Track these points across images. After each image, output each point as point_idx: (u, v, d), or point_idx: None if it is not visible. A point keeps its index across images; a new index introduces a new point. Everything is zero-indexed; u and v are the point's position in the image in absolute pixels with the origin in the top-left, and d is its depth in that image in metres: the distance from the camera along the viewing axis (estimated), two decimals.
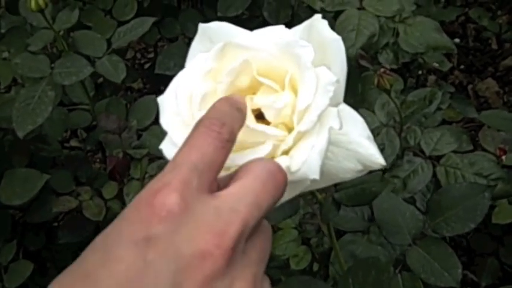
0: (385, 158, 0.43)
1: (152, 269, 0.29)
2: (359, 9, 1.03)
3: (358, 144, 0.42)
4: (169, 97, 0.42)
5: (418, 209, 0.84)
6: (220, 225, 0.31)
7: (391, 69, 1.04)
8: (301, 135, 0.39)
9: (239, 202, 0.33)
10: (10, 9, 1.20)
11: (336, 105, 0.39)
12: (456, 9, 1.79)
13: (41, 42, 1.07)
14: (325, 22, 0.41)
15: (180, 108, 0.41)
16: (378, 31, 1.02)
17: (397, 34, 1.08)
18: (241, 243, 0.32)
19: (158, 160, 1.04)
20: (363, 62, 1.05)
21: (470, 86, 1.99)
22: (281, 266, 1.00)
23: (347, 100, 0.42)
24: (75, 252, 1.23)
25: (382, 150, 0.42)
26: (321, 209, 0.70)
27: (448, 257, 0.77)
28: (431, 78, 1.80)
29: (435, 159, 0.95)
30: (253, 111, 0.41)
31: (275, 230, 1.01)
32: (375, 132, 0.88)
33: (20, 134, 0.97)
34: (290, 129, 0.40)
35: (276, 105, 0.40)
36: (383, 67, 0.97)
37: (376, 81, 0.84)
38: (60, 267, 1.19)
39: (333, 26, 0.42)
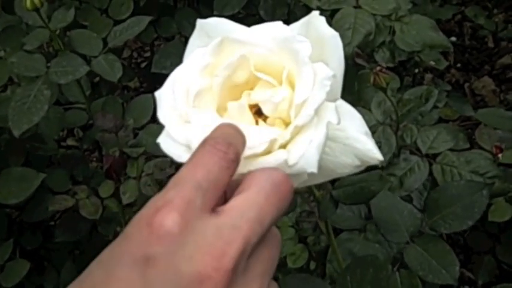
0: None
1: None
2: (355, 7, 1.03)
3: (356, 140, 0.42)
4: (166, 91, 0.42)
5: (415, 207, 0.85)
6: (220, 245, 0.31)
7: (388, 68, 1.04)
8: (298, 130, 0.38)
9: (241, 218, 0.32)
10: (6, 8, 1.20)
11: (334, 100, 0.39)
12: (452, 7, 1.79)
13: (36, 41, 1.07)
14: (322, 19, 0.41)
15: (177, 102, 0.41)
16: (374, 29, 1.02)
17: (394, 32, 1.08)
18: (243, 261, 0.31)
19: (155, 159, 1.04)
20: (359, 61, 1.05)
21: (466, 84, 1.99)
22: (278, 264, 1.00)
23: (343, 98, 0.42)
24: (71, 251, 1.23)
25: (378, 148, 0.42)
26: (319, 207, 0.70)
27: (445, 254, 0.77)
28: (428, 76, 1.80)
29: (431, 158, 0.95)
30: (251, 106, 0.41)
31: None
32: (371, 131, 0.88)
33: (16, 133, 0.97)
34: (287, 124, 0.40)
35: (274, 99, 0.40)
36: (379, 65, 0.97)
37: (372, 79, 0.84)
38: (57, 266, 1.19)
39: (329, 25, 0.42)
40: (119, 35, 1.12)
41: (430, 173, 0.94)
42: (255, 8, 1.28)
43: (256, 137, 0.38)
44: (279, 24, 0.42)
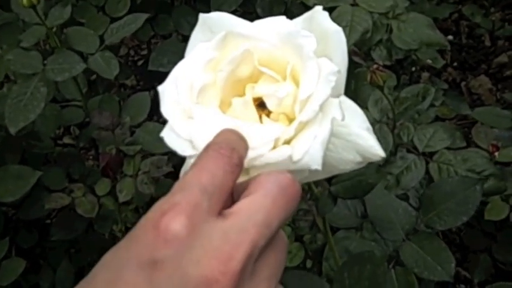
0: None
1: None
2: (352, 5, 1.02)
3: (358, 136, 0.42)
4: (169, 86, 0.42)
5: (411, 206, 0.85)
6: (228, 249, 0.30)
7: (385, 66, 1.03)
8: (302, 126, 0.38)
9: (248, 222, 0.32)
10: (2, 5, 1.19)
11: (337, 96, 0.39)
12: (449, 6, 1.79)
13: (33, 38, 1.07)
14: (325, 13, 0.41)
15: (181, 97, 0.40)
16: (371, 27, 1.02)
17: (391, 30, 1.08)
18: (250, 264, 0.31)
19: (151, 157, 1.04)
20: (356, 59, 1.05)
21: (463, 83, 1.99)
22: None
23: None
24: (67, 250, 1.23)
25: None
26: (317, 203, 0.70)
27: (441, 251, 0.77)
28: (425, 75, 1.81)
29: (428, 156, 0.95)
30: (254, 99, 0.41)
31: None
32: None
33: (12, 131, 0.97)
34: (291, 120, 0.40)
35: (278, 94, 0.40)
36: (376, 63, 0.97)
37: (369, 77, 0.84)
38: (53, 265, 1.19)
39: None
40: (116, 32, 1.12)
41: (427, 172, 0.94)
42: (252, 6, 1.28)
43: (260, 136, 0.38)
44: (282, 18, 0.42)
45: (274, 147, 0.38)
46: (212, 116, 0.40)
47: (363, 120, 0.43)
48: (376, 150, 0.42)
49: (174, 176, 1.05)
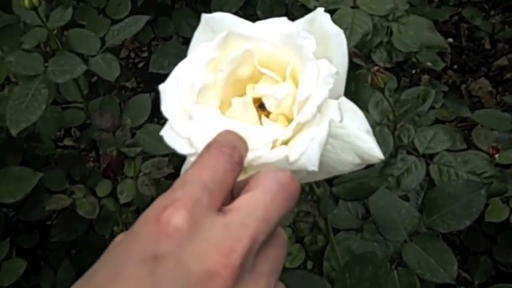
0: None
1: (160, 286, 0.29)
2: (353, 7, 1.03)
3: (357, 138, 0.42)
4: (170, 85, 0.42)
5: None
6: (228, 243, 0.31)
7: (385, 69, 1.04)
8: (300, 127, 0.39)
9: (248, 217, 0.32)
10: (3, 7, 1.20)
11: (337, 97, 0.40)
12: (449, 9, 1.80)
13: (34, 40, 1.07)
14: (327, 16, 0.41)
15: (181, 97, 0.41)
16: (372, 30, 1.02)
17: (391, 33, 1.08)
18: (250, 258, 0.32)
19: (152, 158, 1.04)
20: (357, 60, 1.05)
21: (463, 86, 1.99)
22: None
23: None
24: (68, 251, 1.23)
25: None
26: (318, 204, 0.70)
27: (443, 253, 0.77)
28: (425, 77, 1.81)
29: (429, 158, 0.95)
30: (254, 100, 0.41)
31: None
32: None
33: (14, 132, 0.97)
34: (290, 120, 0.40)
35: (278, 95, 0.40)
36: (377, 65, 0.97)
37: (369, 79, 0.84)
38: (53, 266, 1.19)
39: None
40: (117, 34, 1.12)
41: (427, 173, 0.94)
42: (253, 8, 1.28)
43: (258, 138, 0.38)
44: (284, 20, 0.42)
45: (272, 148, 0.38)
46: (211, 117, 0.40)
47: (363, 122, 0.43)
48: (375, 153, 0.42)
49: (175, 177, 1.04)
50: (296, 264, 1.00)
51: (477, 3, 1.98)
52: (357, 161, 0.42)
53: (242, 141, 0.37)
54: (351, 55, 1.05)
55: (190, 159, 0.40)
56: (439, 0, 1.90)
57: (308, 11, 0.46)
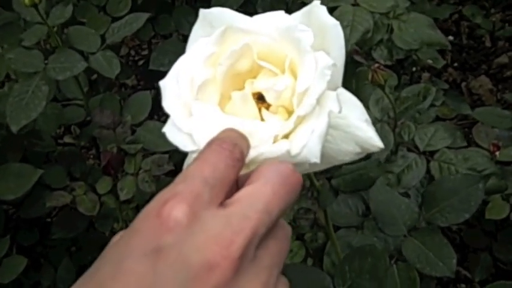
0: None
1: (161, 279, 0.29)
2: (353, 5, 1.03)
3: (357, 128, 0.42)
4: (171, 81, 0.42)
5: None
6: (228, 234, 0.31)
7: (385, 66, 1.04)
8: (301, 119, 0.39)
9: (249, 209, 0.32)
10: (3, 4, 1.20)
11: (335, 89, 0.40)
12: (450, 6, 1.80)
13: (34, 37, 1.07)
14: (324, 8, 0.42)
15: (182, 92, 0.41)
16: (372, 27, 1.02)
17: (391, 30, 1.08)
18: (251, 250, 0.32)
19: (152, 155, 1.04)
20: (358, 58, 1.05)
21: (463, 84, 1.99)
22: None
23: None
24: (68, 248, 1.23)
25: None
26: (318, 197, 0.71)
27: (442, 247, 0.77)
28: (425, 75, 1.81)
29: (429, 155, 0.95)
30: (253, 94, 0.41)
31: None
32: None
33: (14, 129, 0.97)
34: (290, 112, 0.40)
35: (277, 87, 0.40)
36: (377, 63, 0.97)
37: (370, 76, 0.84)
38: (53, 263, 1.19)
39: None
40: (117, 31, 1.12)
41: (428, 171, 0.94)
42: (253, 6, 1.28)
43: (260, 133, 0.38)
44: (281, 13, 0.43)
45: (273, 142, 0.39)
46: (211, 114, 0.40)
47: (362, 112, 0.43)
48: (375, 142, 0.42)
49: (175, 174, 1.05)
50: (296, 261, 1.00)
51: (477, 1, 1.98)
52: (357, 150, 0.42)
53: (243, 138, 0.37)
54: (352, 52, 1.05)
55: (192, 156, 0.40)
56: None
57: None
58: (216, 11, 0.45)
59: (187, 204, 0.31)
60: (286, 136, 0.39)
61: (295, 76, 0.40)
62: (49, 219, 1.34)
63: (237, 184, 0.36)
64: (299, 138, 0.38)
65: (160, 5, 1.40)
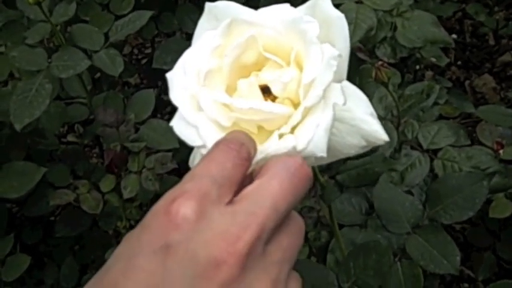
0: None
1: (171, 276, 0.30)
2: (357, 2, 1.03)
3: (362, 121, 0.42)
4: (177, 72, 0.42)
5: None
6: (236, 231, 0.31)
7: (389, 64, 1.04)
8: (307, 111, 0.39)
9: (256, 205, 0.33)
10: (7, 2, 1.20)
11: (339, 81, 0.40)
12: (453, 4, 1.79)
13: (38, 35, 1.07)
14: (328, 1, 0.42)
15: (189, 83, 0.41)
16: (376, 25, 1.02)
17: (395, 28, 1.08)
18: (259, 246, 0.32)
19: (156, 153, 1.04)
20: (361, 55, 1.05)
21: (467, 82, 1.99)
22: None
23: None
24: (72, 246, 1.23)
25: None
26: (323, 193, 0.70)
27: (446, 244, 0.77)
28: (429, 73, 1.80)
29: (433, 153, 0.95)
30: (259, 87, 0.41)
31: None
32: None
33: (18, 127, 0.97)
34: (296, 105, 0.40)
35: (283, 79, 0.40)
36: (381, 60, 0.96)
37: (374, 74, 0.84)
38: (57, 261, 1.19)
39: None
40: (120, 29, 1.12)
41: (431, 169, 0.94)
42: (256, 4, 1.28)
43: (275, 112, 0.39)
44: (286, 6, 0.43)
45: (280, 137, 0.39)
46: (218, 97, 0.40)
47: (367, 105, 0.43)
48: (380, 135, 0.42)
49: (179, 172, 1.05)
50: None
51: None
52: (363, 143, 0.42)
53: (250, 139, 0.38)
54: (355, 50, 1.05)
55: (198, 151, 0.40)
56: None
57: None
58: (222, 4, 0.45)
59: (195, 201, 0.32)
60: (294, 128, 0.39)
61: (300, 68, 0.40)
62: (52, 218, 1.34)
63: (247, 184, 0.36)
64: (304, 132, 0.38)
65: (163, 3, 1.39)
